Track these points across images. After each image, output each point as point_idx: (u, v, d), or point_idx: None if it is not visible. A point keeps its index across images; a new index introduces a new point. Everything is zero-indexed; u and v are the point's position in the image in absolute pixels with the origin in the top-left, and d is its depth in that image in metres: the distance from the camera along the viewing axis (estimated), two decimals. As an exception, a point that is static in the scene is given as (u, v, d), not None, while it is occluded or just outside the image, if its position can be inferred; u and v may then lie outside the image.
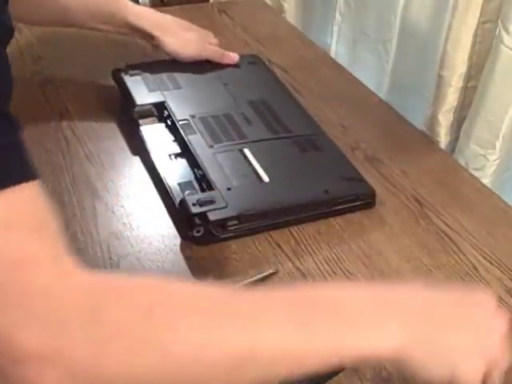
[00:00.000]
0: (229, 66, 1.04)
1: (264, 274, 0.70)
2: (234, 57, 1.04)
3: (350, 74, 1.15)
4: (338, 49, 1.36)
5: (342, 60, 1.26)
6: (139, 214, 0.78)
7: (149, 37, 0.99)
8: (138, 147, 0.87)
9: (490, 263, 0.75)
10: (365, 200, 0.81)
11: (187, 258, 0.72)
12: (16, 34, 1.30)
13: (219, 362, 0.43)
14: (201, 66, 1.01)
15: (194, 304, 0.44)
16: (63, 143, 0.89)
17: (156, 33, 0.97)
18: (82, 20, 0.96)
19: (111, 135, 0.89)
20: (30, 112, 0.85)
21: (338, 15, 1.32)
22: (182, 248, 0.73)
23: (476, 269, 0.75)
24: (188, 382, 0.43)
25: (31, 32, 1.17)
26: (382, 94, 1.14)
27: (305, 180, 0.81)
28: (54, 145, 0.88)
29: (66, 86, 1.01)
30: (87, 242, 0.73)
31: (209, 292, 0.45)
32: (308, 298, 0.48)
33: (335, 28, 1.34)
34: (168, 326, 0.42)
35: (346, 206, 0.80)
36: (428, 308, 0.50)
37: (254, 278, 0.69)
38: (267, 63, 1.14)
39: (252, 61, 1.07)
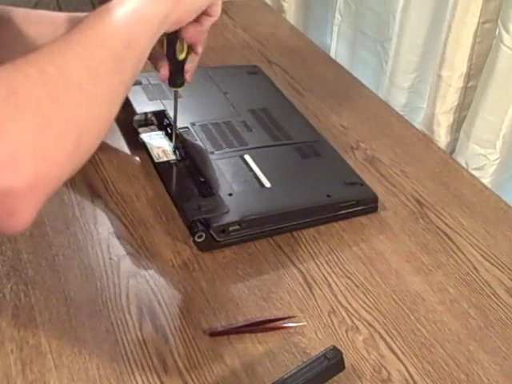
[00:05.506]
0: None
1: None
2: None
3: (350, 74, 1.15)
4: (337, 49, 1.36)
5: (342, 60, 1.26)
6: (139, 214, 0.78)
7: None
8: (138, 149, 0.87)
9: (490, 263, 0.76)
10: (368, 205, 0.81)
11: (187, 258, 0.72)
12: (16, 33, 1.28)
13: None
14: (200, 75, 1.01)
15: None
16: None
17: None
18: None
19: (111, 134, 0.89)
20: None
21: (337, 15, 1.32)
22: (182, 248, 0.73)
23: (476, 269, 0.75)
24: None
25: (31, 32, 1.17)
26: (382, 94, 1.14)
27: (307, 185, 0.81)
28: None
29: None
30: (87, 241, 0.73)
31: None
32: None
33: (335, 28, 1.34)
34: None
35: (349, 210, 0.80)
36: None
37: None
38: (267, 63, 1.14)
39: (252, 71, 1.07)
